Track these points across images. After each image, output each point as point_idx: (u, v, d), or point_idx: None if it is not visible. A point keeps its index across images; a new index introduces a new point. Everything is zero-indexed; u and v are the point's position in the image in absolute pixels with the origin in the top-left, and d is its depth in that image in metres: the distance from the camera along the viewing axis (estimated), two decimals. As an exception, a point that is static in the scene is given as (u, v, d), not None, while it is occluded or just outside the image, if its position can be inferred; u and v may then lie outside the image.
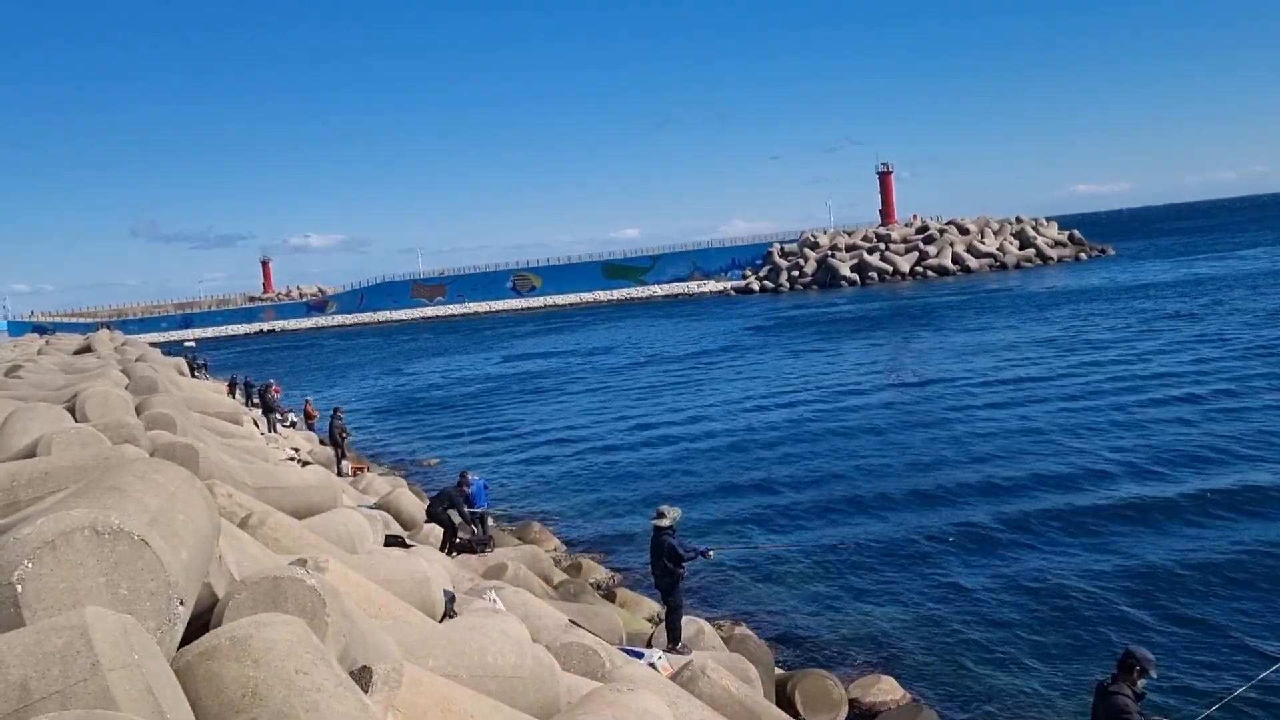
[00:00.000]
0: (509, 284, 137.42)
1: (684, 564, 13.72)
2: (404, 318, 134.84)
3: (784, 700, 13.10)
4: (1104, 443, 26.56)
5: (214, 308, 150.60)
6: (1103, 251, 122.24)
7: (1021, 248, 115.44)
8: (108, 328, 69.97)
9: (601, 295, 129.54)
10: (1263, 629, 14.54)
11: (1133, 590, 16.69)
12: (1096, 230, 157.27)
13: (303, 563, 8.00)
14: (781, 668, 14.76)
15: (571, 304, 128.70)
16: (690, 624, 14.26)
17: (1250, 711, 11.99)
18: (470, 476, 20.44)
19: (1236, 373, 34.85)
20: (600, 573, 20.25)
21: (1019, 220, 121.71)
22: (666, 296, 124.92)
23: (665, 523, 13.71)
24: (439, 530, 19.27)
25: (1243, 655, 13.76)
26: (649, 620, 16.36)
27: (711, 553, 14.69)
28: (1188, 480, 22.40)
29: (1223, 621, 15.03)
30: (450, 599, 11.10)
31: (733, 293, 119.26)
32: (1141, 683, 8.48)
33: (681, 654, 12.84)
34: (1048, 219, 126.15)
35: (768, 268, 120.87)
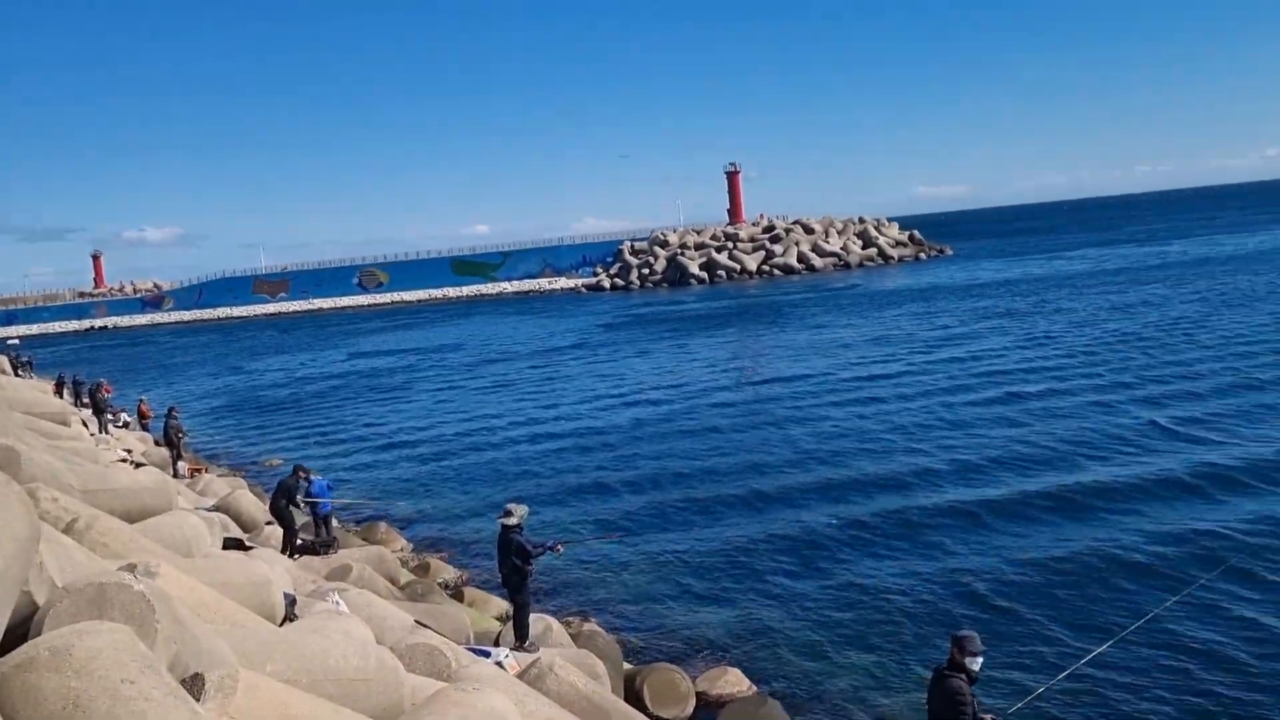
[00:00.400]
0: (355, 280, 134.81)
1: (533, 561, 13.66)
2: (245, 314, 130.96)
3: (632, 695, 13.19)
4: (934, 442, 27.34)
5: (40, 303, 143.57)
6: (941, 251, 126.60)
7: (864, 247, 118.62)
8: (-78, 324, 66.11)
9: (451, 292, 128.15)
10: (1080, 622, 15.14)
11: (960, 585, 17.27)
12: (935, 231, 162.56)
13: (132, 568, 7.70)
14: (630, 663, 14.84)
15: (420, 300, 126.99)
16: (538, 621, 14.22)
17: (1065, 700, 12.57)
18: (314, 476, 20.02)
19: (1061, 372, 36.46)
20: (448, 572, 20.05)
21: (862, 221, 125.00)
22: (517, 293, 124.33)
23: (513, 521, 13.62)
24: (281, 532, 18.81)
25: (1060, 647, 14.34)
26: (498, 619, 16.27)
27: (561, 547, 14.66)
28: (1012, 479, 23.19)
29: (1042, 615, 15.61)
30: (291, 602, 10.86)
31: (584, 290, 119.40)
32: (975, 666, 8.71)
33: (529, 652, 12.80)
34: (889, 219, 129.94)
35: (618, 265, 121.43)
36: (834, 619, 16.41)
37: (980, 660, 8.69)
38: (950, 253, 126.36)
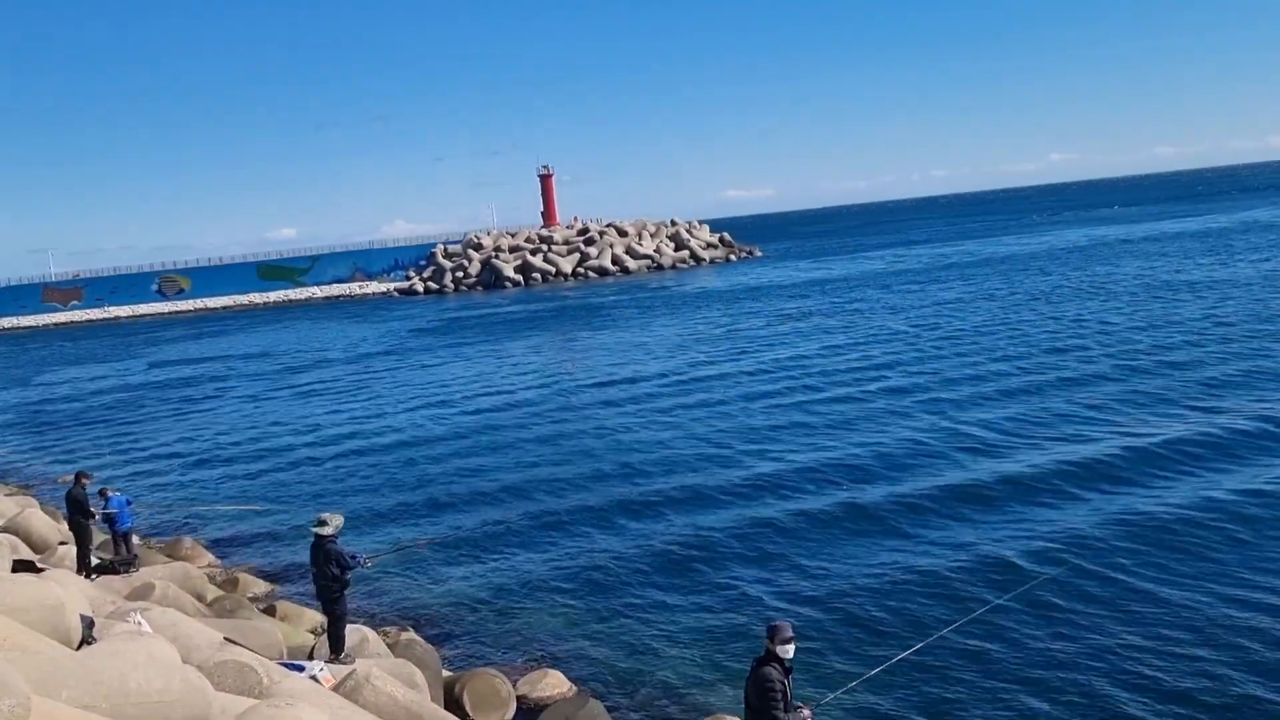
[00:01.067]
0: (154, 286, 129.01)
1: (349, 571, 13.36)
2: (33, 324, 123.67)
3: (453, 702, 13.09)
4: (740, 448, 27.57)
5: None
6: (750, 253, 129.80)
7: (677, 249, 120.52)
8: None
9: (257, 298, 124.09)
10: (887, 626, 15.49)
11: (769, 587, 17.64)
12: (745, 233, 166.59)
13: (-91, 596, 7.24)
14: (449, 670, 14.73)
15: (225, 307, 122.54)
16: (354, 632, 13.94)
17: (871, 696, 13.00)
18: (112, 493, 19.15)
19: (864, 374, 37.62)
20: (259, 586, 19.48)
21: (674, 223, 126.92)
22: (327, 298, 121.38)
23: (328, 530, 13.29)
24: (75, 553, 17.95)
25: (881, 639, 14.81)
26: (311, 632, 15.88)
27: (369, 562, 14.34)
28: (811, 486, 23.64)
29: (845, 621, 15.92)
30: (89, 624, 10.38)
31: (396, 294, 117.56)
32: (787, 654, 8.91)
33: (345, 664, 12.56)
34: (700, 222, 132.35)
35: (432, 269, 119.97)
36: (650, 618, 16.62)
37: (792, 648, 8.91)
38: (760, 254, 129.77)
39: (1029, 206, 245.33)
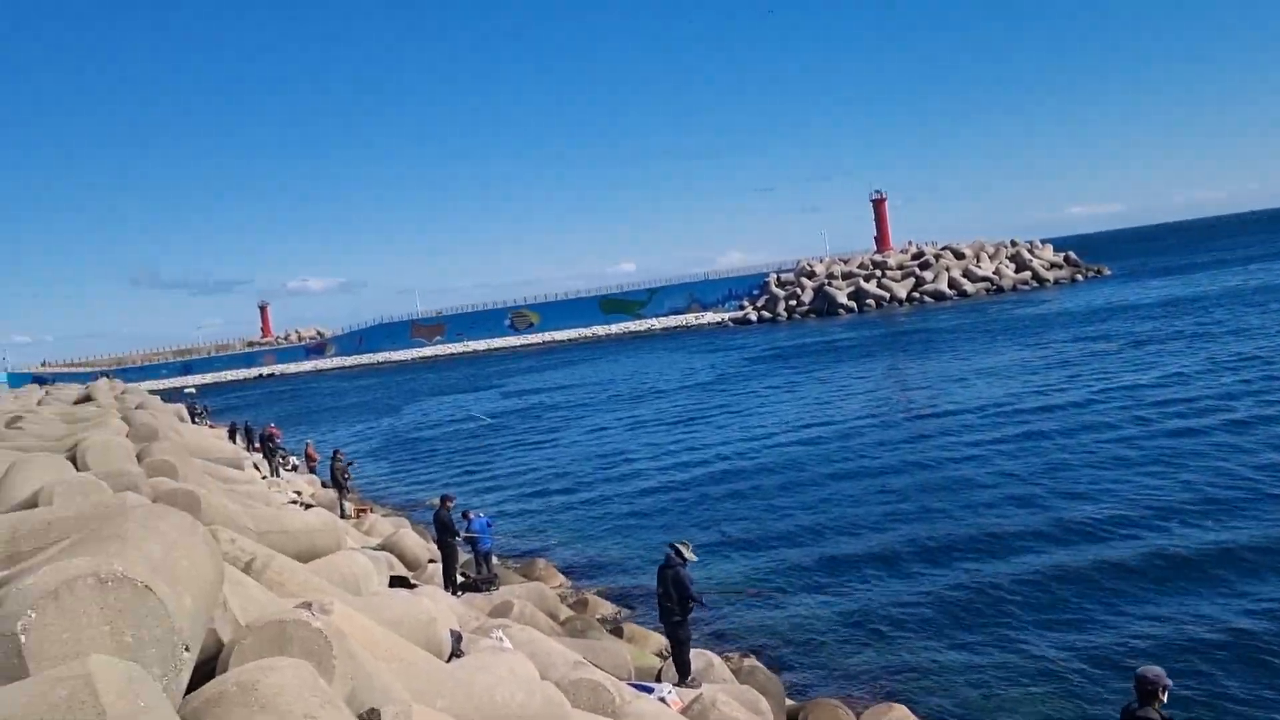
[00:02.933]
0: (507, 321, 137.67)
1: (689, 597, 13.58)
2: (403, 358, 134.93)
3: (796, 731, 12.99)
4: (1115, 483, 25.81)
5: (213, 353, 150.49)
6: (1099, 272, 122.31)
7: (1017, 270, 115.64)
8: (107, 376, 69.81)
9: (600, 330, 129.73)
10: None
11: (1140, 635, 16.55)
12: (1092, 251, 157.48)
13: (307, 606, 7.94)
14: (792, 698, 14.64)
15: (570, 339, 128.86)
16: (699, 657, 14.15)
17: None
18: (474, 515, 20.41)
19: (1245, 396, 34.53)
20: (607, 608, 20.15)
21: (1014, 243, 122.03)
22: (665, 329, 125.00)
23: (683, 555, 13.62)
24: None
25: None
26: (657, 655, 16.24)
27: (702, 599, 14.52)
28: (1181, 529, 22.02)
29: (1251, 654, 14.66)
30: (457, 639, 11.02)
31: (731, 323, 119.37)
32: (1161, 700, 8.35)
33: (692, 687, 12.75)
34: (1043, 241, 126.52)
35: (765, 297, 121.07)
36: (1004, 657, 15.86)
37: (1166, 696, 8.32)
38: (1109, 273, 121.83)
39: None
